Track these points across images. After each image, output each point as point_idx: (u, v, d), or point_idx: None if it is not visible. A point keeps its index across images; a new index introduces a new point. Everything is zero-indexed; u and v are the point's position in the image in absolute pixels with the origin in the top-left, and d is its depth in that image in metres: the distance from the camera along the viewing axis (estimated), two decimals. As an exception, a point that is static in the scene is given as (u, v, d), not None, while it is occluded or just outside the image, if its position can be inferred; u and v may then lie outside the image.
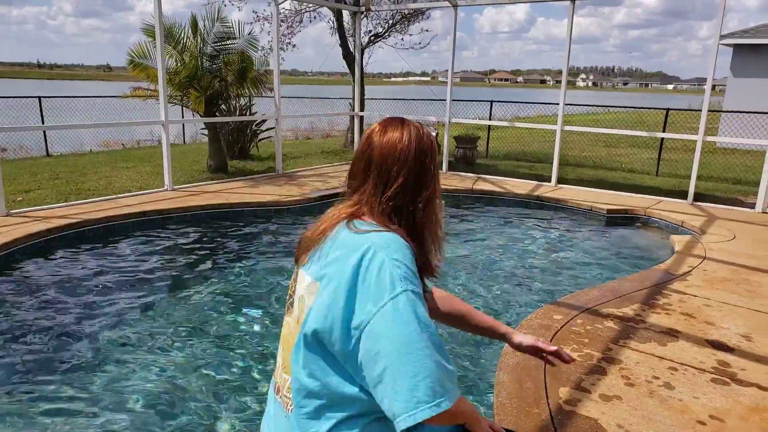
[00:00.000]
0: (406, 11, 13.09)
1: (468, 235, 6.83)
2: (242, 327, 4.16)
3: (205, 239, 6.21)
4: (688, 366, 3.25)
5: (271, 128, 12.10)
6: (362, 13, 10.83)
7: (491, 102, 13.57)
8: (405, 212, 1.40)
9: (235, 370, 3.54)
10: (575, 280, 5.35)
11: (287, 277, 5.18)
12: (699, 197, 8.23)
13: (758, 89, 15.04)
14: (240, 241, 6.19)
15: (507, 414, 2.66)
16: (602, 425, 2.62)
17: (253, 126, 11.69)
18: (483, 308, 4.63)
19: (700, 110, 7.95)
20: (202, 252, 5.79)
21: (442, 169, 10.09)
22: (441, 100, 10.85)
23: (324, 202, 7.78)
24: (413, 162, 1.41)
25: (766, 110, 11.27)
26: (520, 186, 8.92)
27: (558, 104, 9.00)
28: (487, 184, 9.08)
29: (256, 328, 4.16)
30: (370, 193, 1.43)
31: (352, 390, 1.32)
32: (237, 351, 3.78)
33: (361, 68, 11.08)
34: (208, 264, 5.46)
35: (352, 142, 12.57)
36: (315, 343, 1.33)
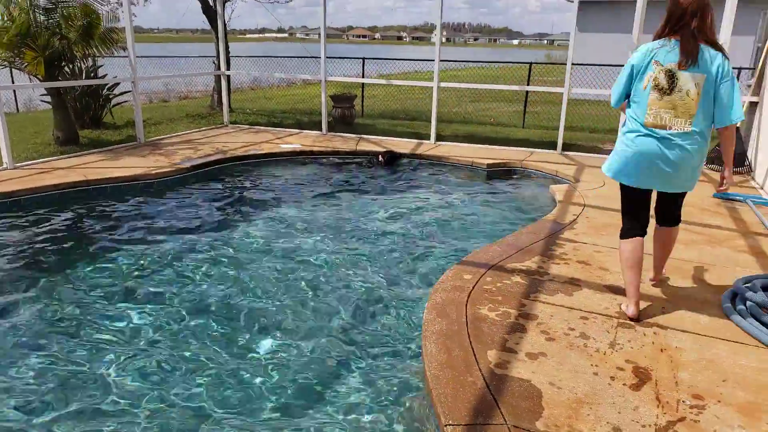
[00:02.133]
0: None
1: (361, 196, 6.67)
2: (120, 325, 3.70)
3: (66, 224, 5.46)
4: (596, 314, 3.38)
5: (126, 92, 10.99)
6: (221, -38, 9.99)
7: (363, 59, 13.34)
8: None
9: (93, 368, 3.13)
10: (473, 235, 5.42)
11: (176, 259, 4.70)
12: (565, 147, 8.72)
13: (601, 43, 16.22)
14: (111, 224, 5.51)
15: (443, 386, 2.58)
16: (536, 385, 2.62)
17: (105, 90, 10.50)
18: (386, 271, 4.53)
19: (561, 63, 8.33)
20: (66, 240, 5.08)
21: (321, 130, 9.78)
22: (314, 57, 10.42)
23: (199, 172, 7.21)
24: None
25: (611, 63, 12.11)
26: (402, 145, 8.89)
27: (433, 61, 8.99)
28: (369, 144, 8.94)
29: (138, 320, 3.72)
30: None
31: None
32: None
33: (224, 23, 10.29)
34: (77, 253, 4.80)
35: (220, 102, 11.77)
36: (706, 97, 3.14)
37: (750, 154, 7.47)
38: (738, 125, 7.49)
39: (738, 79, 12.20)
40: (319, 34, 9.31)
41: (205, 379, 3.10)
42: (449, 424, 2.32)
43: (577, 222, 5.17)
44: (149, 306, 3.91)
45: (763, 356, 2.95)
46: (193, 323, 3.70)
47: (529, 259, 4.22)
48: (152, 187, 6.58)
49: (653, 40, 3.28)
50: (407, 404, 2.85)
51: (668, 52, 3.17)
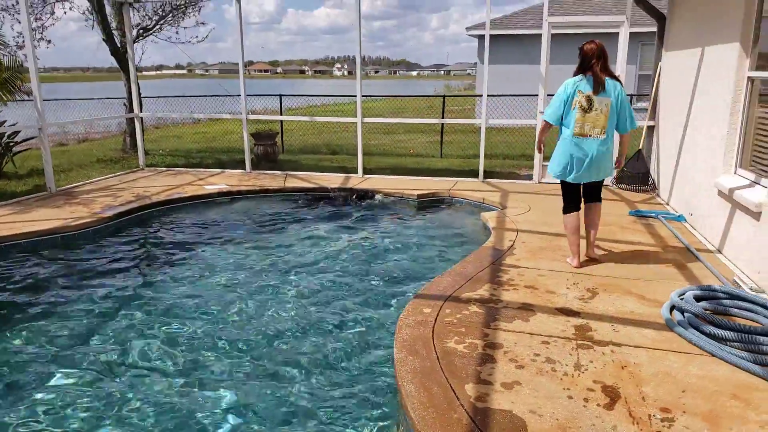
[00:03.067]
0: (176, 2, 12.10)
1: (302, 234, 6.61)
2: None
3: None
4: (555, 337, 3.53)
5: (29, 138, 10.33)
6: (129, 3, 9.71)
7: (280, 96, 13.31)
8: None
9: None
10: (419, 265, 5.53)
11: (109, 325, 4.44)
12: (486, 174, 9.09)
13: (500, 75, 17.16)
14: (26, 288, 5.09)
15: (430, 426, 2.60)
16: (518, 415, 2.70)
17: (5, 138, 9.80)
18: (344, 308, 4.52)
19: (473, 95, 8.74)
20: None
21: (245, 169, 9.62)
22: (234, 95, 10.29)
23: (123, 220, 6.86)
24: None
25: (520, 93, 12.83)
26: (330, 180, 8.92)
27: (356, 96, 9.14)
28: (297, 180, 8.89)
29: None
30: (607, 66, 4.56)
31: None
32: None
33: (135, 65, 9.96)
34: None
35: (133, 145, 11.30)
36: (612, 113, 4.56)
37: (653, 173, 8.13)
38: (641, 148, 8.16)
39: (631, 103, 13.34)
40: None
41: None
42: (447, 464, 2.34)
43: (515, 247, 5.39)
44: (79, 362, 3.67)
45: (709, 364, 3.20)
46: (127, 376, 3.50)
47: (481, 287, 4.35)
48: (73, 239, 6.18)
49: (573, 76, 4.73)
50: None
51: (586, 83, 4.63)
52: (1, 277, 5.22)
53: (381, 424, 3.10)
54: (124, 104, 11.89)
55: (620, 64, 8.00)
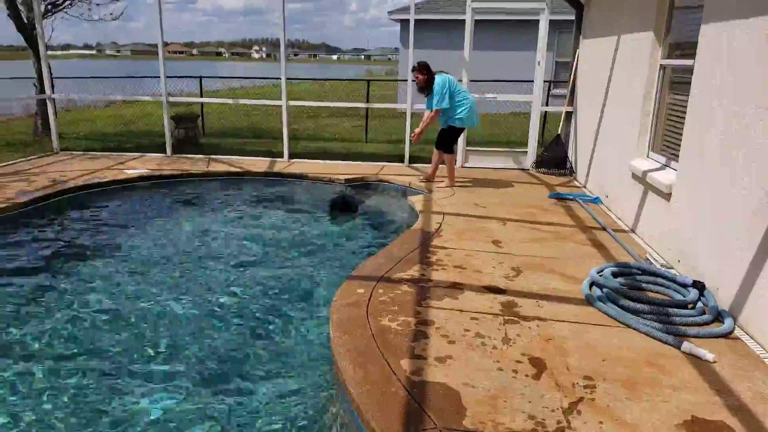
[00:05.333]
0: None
1: (227, 218, 6.44)
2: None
3: None
4: (483, 313, 3.65)
5: None
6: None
7: (200, 78, 12.84)
8: None
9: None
10: (350, 248, 5.53)
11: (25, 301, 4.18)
12: (411, 159, 9.19)
13: (432, 59, 17.34)
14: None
15: (372, 402, 2.62)
16: (452, 387, 2.78)
17: None
18: (273, 289, 4.47)
19: (398, 80, 8.81)
20: None
21: (166, 153, 9.24)
22: (155, 77, 9.83)
23: (40, 206, 6.44)
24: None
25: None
26: (256, 164, 8.74)
27: (279, 78, 8.97)
28: (221, 164, 8.65)
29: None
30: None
31: None
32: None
33: (45, 43, 9.29)
34: None
35: (44, 128, 10.58)
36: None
37: (571, 157, 8.50)
38: (559, 133, 8.50)
39: (550, 89, 13.77)
40: (157, 53, 8.82)
41: None
42: (386, 438, 2.37)
43: (442, 229, 5.50)
44: None
45: (627, 335, 3.41)
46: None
47: (411, 268, 4.41)
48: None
49: (435, 75, 7.11)
50: (335, 423, 2.85)
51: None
52: None
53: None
54: (34, 84, 11.10)
55: (540, 51, 8.28)
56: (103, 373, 3.39)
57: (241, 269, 4.99)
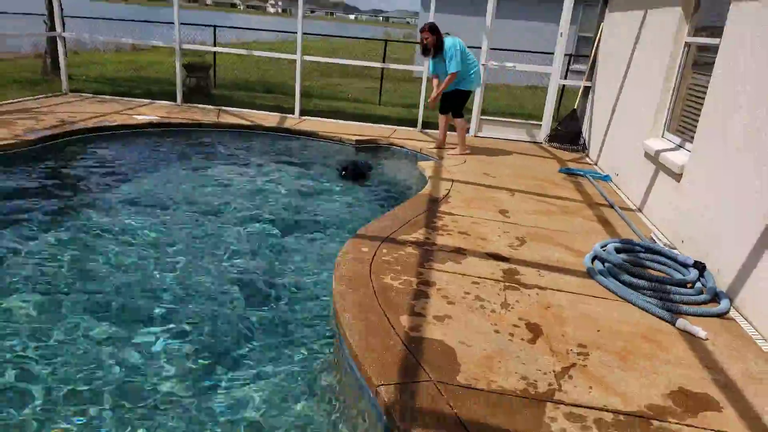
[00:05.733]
0: None
1: (235, 170, 6.47)
2: None
3: None
4: (485, 278, 3.69)
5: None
6: None
7: (214, 27, 12.71)
8: None
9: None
10: (357, 208, 5.57)
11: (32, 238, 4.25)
12: (424, 125, 9.15)
13: (444, 24, 17.08)
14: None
15: (368, 352, 2.68)
16: (449, 345, 2.84)
17: None
18: (280, 243, 4.52)
19: (416, 42, 8.69)
20: None
21: (176, 101, 9.22)
22: (167, 23, 9.73)
23: (48, 144, 6.47)
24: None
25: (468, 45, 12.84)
26: (266, 118, 8.71)
27: (295, 33, 8.87)
28: (231, 116, 8.63)
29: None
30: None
31: None
32: None
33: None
34: None
35: (54, 67, 10.54)
36: None
37: (585, 133, 8.44)
38: (575, 108, 8.41)
39: (570, 63, 13.55)
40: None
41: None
42: (382, 384, 2.44)
43: (450, 196, 5.52)
44: None
45: (625, 309, 3.45)
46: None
47: (416, 231, 4.45)
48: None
49: (444, 39, 6.94)
50: (332, 371, 2.93)
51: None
52: None
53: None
54: (44, 21, 11.01)
55: (564, 21, 8.14)
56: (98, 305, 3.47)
57: (247, 221, 5.03)
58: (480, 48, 8.47)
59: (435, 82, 7.14)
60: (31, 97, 8.86)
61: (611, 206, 5.66)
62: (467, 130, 7.86)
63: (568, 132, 8.49)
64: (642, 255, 4.18)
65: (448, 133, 7.68)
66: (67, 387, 2.77)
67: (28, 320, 3.28)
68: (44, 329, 3.21)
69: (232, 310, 3.60)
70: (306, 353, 3.24)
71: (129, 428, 2.55)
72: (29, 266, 3.87)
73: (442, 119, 7.55)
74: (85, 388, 2.78)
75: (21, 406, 2.61)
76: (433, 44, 6.87)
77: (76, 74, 11.86)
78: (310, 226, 5.05)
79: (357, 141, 7.91)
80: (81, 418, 2.58)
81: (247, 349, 3.24)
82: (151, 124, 7.79)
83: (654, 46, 5.91)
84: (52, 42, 10.86)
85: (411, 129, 9.00)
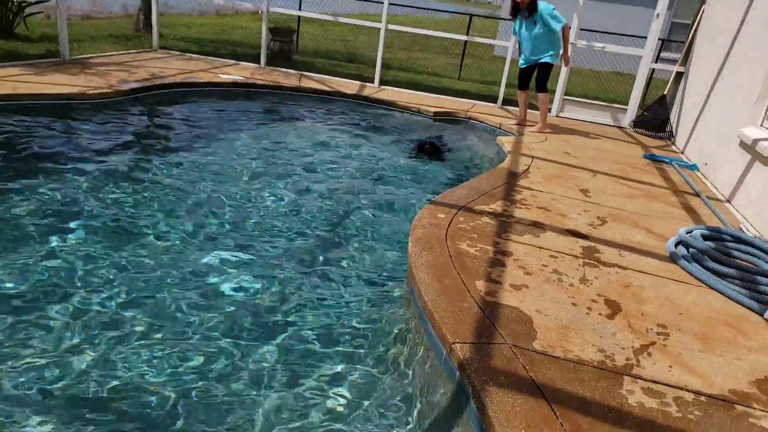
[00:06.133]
0: None
1: (315, 135, 6.60)
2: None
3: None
4: (563, 253, 3.64)
5: (40, 1, 10.03)
6: None
7: (301, -7, 12.88)
8: None
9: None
10: (434, 177, 5.59)
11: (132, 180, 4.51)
12: (504, 102, 8.99)
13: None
14: (47, 145, 5.13)
15: (443, 310, 2.72)
16: (525, 312, 2.83)
17: (18, -2, 9.51)
18: (358, 204, 4.62)
19: (502, 18, 8.49)
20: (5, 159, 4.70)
21: (259, 63, 9.44)
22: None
23: (139, 96, 6.80)
24: None
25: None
26: (346, 86, 8.80)
27: (382, 2, 8.86)
28: (312, 82, 8.77)
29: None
30: None
31: None
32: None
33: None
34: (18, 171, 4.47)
35: (146, 24, 10.99)
36: None
37: (672, 120, 8.07)
38: (665, 93, 8.05)
39: (661, 49, 12.93)
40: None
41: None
42: (456, 342, 2.47)
43: (530, 172, 5.43)
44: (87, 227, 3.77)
45: (708, 296, 3.33)
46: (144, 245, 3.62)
47: (494, 202, 4.42)
48: (90, 108, 6.13)
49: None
50: (405, 326, 3.00)
51: None
52: (26, 135, 5.21)
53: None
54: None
55: (661, 1, 7.75)
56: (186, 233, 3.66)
57: (327, 179, 5.15)
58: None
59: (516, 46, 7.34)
60: (125, 51, 9.29)
61: (697, 194, 5.42)
62: (549, 109, 7.66)
63: (655, 118, 8.14)
64: (729, 244, 3.99)
65: (528, 111, 7.53)
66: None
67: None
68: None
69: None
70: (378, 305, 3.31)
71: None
72: (164, 189, 4.12)
73: (521, 95, 7.41)
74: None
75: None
76: (529, 3, 6.70)
77: (165, 33, 12.31)
78: (385, 195, 5.10)
79: (435, 113, 7.88)
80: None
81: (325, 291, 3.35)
82: (235, 84, 8.03)
83: (760, 34, 5.55)
84: (146, 0, 11.31)
85: (491, 104, 8.88)
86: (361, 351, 2.93)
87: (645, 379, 2.42)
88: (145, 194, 4.37)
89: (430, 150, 6.55)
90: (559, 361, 2.47)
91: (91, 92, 6.26)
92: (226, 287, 3.32)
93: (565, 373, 2.38)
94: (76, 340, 2.71)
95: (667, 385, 2.40)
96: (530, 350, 2.51)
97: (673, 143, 7.81)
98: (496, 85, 9.13)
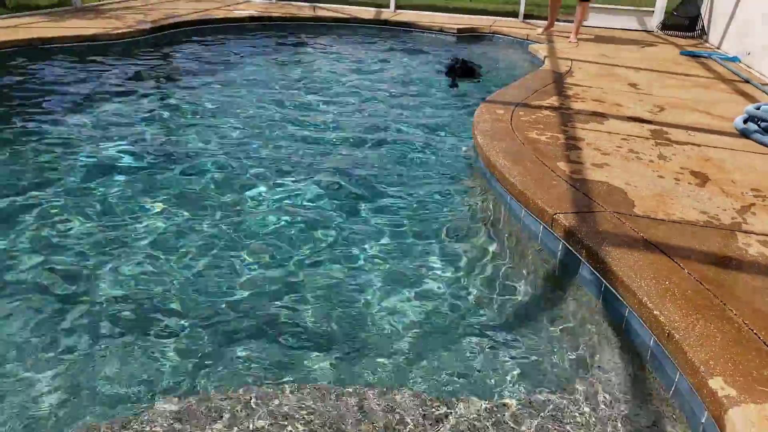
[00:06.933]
0: None
1: (344, 59, 6.43)
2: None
3: (32, 84, 4.92)
4: (633, 136, 3.55)
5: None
6: None
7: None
8: None
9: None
10: (478, 85, 5.47)
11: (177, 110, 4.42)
12: (525, 16, 8.69)
13: None
14: (84, 82, 5.02)
15: (533, 188, 2.66)
16: (615, 185, 2.77)
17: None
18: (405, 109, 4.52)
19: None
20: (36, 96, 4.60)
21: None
22: None
23: (160, 35, 6.62)
24: None
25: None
26: (362, 12, 8.51)
27: None
28: (327, 11, 8.49)
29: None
30: None
31: None
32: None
33: None
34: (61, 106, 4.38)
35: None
36: None
37: (704, 17, 7.78)
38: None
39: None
40: None
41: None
42: (558, 213, 2.42)
43: (573, 71, 5.28)
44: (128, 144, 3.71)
45: (790, 162, 3.25)
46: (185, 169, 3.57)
47: (548, 98, 4.30)
48: (114, 48, 5.98)
49: None
50: (487, 214, 2.96)
51: None
52: (48, 74, 5.10)
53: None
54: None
55: None
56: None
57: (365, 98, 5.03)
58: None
59: None
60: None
61: (747, 81, 5.26)
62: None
63: (685, 16, 7.84)
64: (799, 118, 3.87)
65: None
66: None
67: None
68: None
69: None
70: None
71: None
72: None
73: (552, 1, 7.15)
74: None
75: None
76: None
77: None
78: (425, 119, 4.98)
79: (458, 30, 7.64)
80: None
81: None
82: (251, 18, 7.79)
83: None
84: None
85: (512, 19, 8.60)
86: (453, 243, 2.88)
87: (758, 233, 2.37)
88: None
89: (462, 70, 5.95)
90: (665, 223, 2.41)
91: (113, 32, 6.10)
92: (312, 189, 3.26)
93: (675, 233, 2.33)
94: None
95: (780, 235, 2.35)
96: (633, 215, 2.46)
97: (706, 41, 7.55)
98: (512, 3, 8.79)
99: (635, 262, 2.09)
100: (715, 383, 1.53)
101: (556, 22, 7.32)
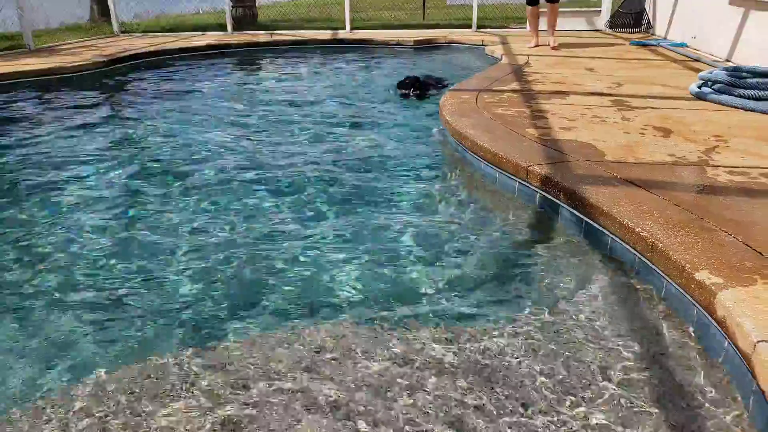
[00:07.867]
0: None
1: (309, 71, 6.48)
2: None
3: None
4: (596, 105, 3.64)
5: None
6: None
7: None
8: None
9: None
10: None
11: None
12: (479, 26, 8.92)
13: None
14: (37, 118, 4.93)
15: (506, 149, 2.69)
16: (584, 141, 2.83)
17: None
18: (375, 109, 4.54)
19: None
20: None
21: (227, 30, 9.21)
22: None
23: (117, 66, 6.59)
24: None
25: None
26: (319, 35, 8.64)
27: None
28: (284, 36, 8.60)
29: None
30: None
31: None
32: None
33: None
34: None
35: (104, 14, 10.66)
36: None
37: (648, 10, 8.10)
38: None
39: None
40: None
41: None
42: (532, 165, 2.45)
43: (531, 63, 5.42)
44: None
45: (745, 116, 3.37)
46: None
47: (510, 84, 4.40)
48: (71, 81, 5.91)
49: None
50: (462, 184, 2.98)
51: None
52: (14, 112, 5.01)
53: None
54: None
55: None
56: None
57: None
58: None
59: None
60: (87, 38, 8.98)
61: (697, 60, 5.46)
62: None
63: (631, 12, 8.16)
64: (750, 81, 4.02)
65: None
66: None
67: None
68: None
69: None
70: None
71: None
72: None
73: (532, 12, 6.56)
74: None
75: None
76: None
77: (123, 21, 11.94)
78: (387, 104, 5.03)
79: (414, 41, 7.80)
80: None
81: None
82: (209, 46, 7.83)
83: None
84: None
85: (466, 30, 8.81)
86: (430, 212, 2.87)
87: (724, 166, 2.44)
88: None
89: (419, 89, 5.10)
90: (637, 165, 2.47)
91: (69, 65, 6.05)
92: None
93: (647, 171, 2.39)
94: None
95: (747, 167, 2.42)
96: (605, 162, 2.51)
97: (653, 33, 7.85)
98: (462, 19, 8.99)
99: (613, 195, 2.12)
100: (702, 275, 1.55)
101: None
